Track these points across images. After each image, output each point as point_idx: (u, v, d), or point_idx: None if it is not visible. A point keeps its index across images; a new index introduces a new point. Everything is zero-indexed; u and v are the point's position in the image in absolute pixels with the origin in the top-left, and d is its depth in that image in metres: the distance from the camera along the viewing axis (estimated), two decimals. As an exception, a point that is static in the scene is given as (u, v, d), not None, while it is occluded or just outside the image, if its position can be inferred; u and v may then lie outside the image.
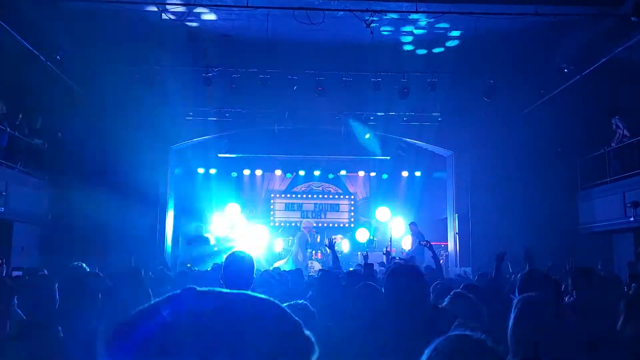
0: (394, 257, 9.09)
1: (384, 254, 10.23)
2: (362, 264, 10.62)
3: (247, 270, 3.29)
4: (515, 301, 2.38)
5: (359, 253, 12.85)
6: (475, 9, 9.87)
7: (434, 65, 11.95)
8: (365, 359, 2.46)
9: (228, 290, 0.92)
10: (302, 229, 13.84)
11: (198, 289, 0.89)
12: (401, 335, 2.42)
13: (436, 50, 11.98)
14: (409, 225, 13.69)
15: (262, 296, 0.92)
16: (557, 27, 10.80)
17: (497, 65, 11.76)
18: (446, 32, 11.27)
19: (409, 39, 11.63)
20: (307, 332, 0.91)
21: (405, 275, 2.69)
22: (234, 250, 3.64)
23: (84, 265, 4.55)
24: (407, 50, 12.01)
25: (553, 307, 2.38)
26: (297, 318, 0.91)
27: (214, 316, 0.83)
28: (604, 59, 10.70)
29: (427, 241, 8.43)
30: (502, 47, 11.46)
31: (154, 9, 9.96)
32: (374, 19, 9.57)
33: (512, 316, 2.34)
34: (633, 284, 5.21)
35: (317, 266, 12.55)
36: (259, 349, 0.83)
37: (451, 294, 3.51)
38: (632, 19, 9.21)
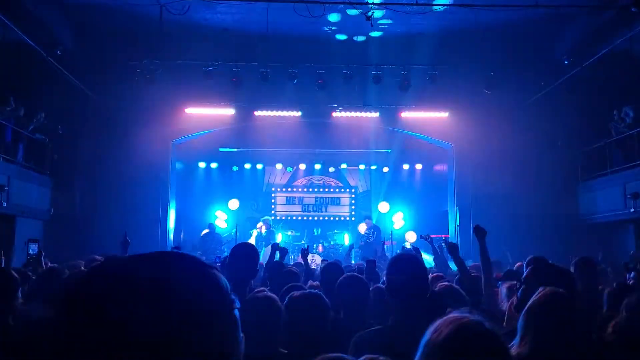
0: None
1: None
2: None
3: (252, 261, 3.33)
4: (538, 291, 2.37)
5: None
6: (475, 1, 9.84)
7: (433, 57, 11.93)
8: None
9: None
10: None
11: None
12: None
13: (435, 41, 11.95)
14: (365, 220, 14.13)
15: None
16: (558, 18, 10.79)
17: (498, 57, 11.74)
18: (446, 25, 11.26)
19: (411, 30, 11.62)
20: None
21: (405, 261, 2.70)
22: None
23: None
24: (407, 43, 12.00)
25: (574, 301, 2.39)
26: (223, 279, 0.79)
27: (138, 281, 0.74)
28: (605, 50, 10.69)
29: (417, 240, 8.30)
30: (503, 39, 11.44)
31: (155, 3, 9.95)
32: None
33: (532, 304, 2.33)
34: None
35: (318, 259, 12.57)
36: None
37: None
38: (632, 9, 9.21)
